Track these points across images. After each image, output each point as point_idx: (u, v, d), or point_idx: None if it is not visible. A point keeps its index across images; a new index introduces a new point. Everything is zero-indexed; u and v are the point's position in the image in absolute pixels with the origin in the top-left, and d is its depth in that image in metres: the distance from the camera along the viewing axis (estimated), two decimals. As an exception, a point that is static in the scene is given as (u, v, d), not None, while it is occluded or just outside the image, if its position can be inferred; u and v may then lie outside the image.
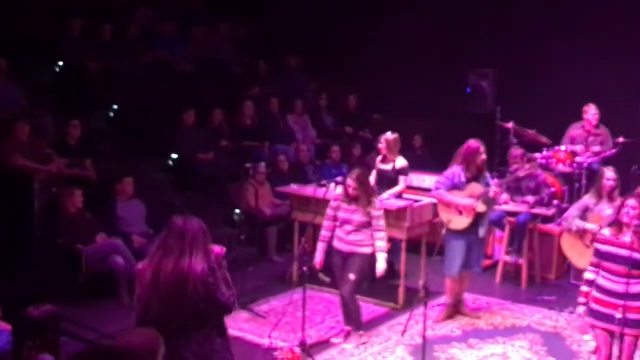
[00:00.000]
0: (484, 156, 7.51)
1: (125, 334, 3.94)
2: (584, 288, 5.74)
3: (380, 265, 6.92)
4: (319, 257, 7.16)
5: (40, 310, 4.86)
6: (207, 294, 4.38)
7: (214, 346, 4.50)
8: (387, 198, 8.15)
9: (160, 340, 3.76)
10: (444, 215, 7.44)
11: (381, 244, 6.92)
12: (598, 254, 5.66)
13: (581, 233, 7.22)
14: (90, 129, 9.60)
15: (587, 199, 7.32)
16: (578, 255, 7.27)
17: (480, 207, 7.44)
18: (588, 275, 5.72)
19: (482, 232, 7.62)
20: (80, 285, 7.86)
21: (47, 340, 4.77)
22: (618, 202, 6.85)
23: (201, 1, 12.88)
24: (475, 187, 7.46)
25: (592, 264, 5.72)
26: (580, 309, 5.76)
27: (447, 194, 7.44)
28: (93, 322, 6.97)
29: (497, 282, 9.01)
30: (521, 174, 8.36)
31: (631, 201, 5.63)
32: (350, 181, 6.95)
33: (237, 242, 8.58)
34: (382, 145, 8.53)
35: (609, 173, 7.22)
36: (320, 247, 7.16)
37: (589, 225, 7.07)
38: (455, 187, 7.47)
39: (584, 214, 7.26)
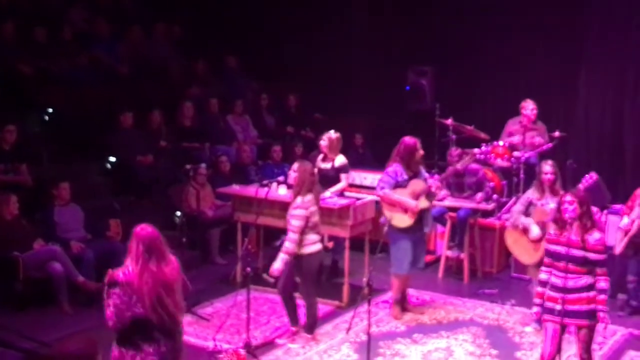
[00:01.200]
0: (421, 152, 7.60)
1: (62, 341, 3.85)
2: (539, 289, 5.79)
3: (275, 265, 6.81)
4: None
5: (-24, 320, 4.73)
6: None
7: None
8: (330, 197, 8.15)
9: (98, 345, 3.70)
10: (389, 213, 7.47)
11: (286, 244, 6.78)
12: (548, 253, 5.74)
13: (525, 229, 7.31)
14: (25, 133, 9.36)
15: (530, 194, 7.39)
16: (522, 250, 7.34)
17: (423, 204, 7.50)
18: (542, 276, 5.78)
19: (427, 228, 7.69)
20: (17, 293, 7.68)
21: (-18, 351, 4.64)
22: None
23: (135, 1, 12.67)
24: (417, 184, 7.51)
25: (545, 264, 5.78)
26: (535, 309, 5.79)
27: (392, 193, 7.47)
28: (31, 330, 6.85)
29: (439, 277, 9.10)
30: (460, 167, 8.48)
31: (568, 197, 5.70)
32: (294, 164, 6.98)
33: (179, 245, 8.46)
34: (324, 143, 8.53)
35: (547, 167, 7.30)
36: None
37: (534, 229, 7.13)
38: (398, 185, 7.51)
39: (527, 209, 7.35)
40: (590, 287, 5.63)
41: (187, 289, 5.22)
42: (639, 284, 7.82)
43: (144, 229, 4.95)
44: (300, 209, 6.78)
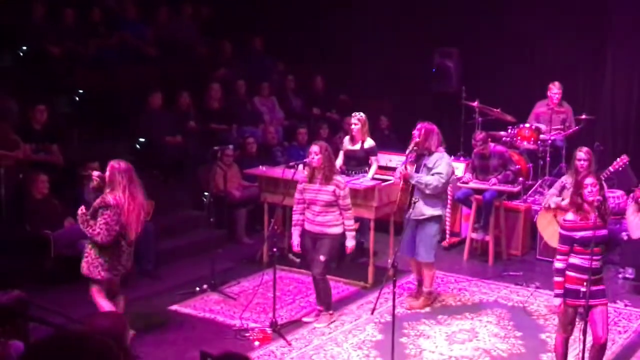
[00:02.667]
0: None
1: (93, 317, 3.95)
2: (558, 279, 5.70)
3: (349, 244, 7.05)
4: (295, 241, 7.20)
5: (9, 297, 4.86)
6: None
7: None
8: (358, 178, 8.21)
9: (126, 322, 3.79)
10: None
11: (349, 223, 7.01)
12: (572, 240, 5.60)
13: (555, 212, 7.33)
14: (56, 114, 9.50)
15: (564, 179, 7.48)
16: (552, 234, 7.33)
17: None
18: (559, 265, 5.68)
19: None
20: (48, 271, 7.82)
21: (16, 327, 4.78)
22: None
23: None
24: None
25: (560, 252, 5.67)
26: (557, 301, 5.72)
27: None
28: (62, 307, 6.97)
29: (464, 259, 9.13)
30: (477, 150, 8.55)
31: (589, 179, 5.66)
32: (314, 147, 6.99)
33: (206, 225, 8.58)
34: (357, 126, 8.51)
35: (581, 154, 7.34)
36: (295, 231, 7.19)
37: (565, 202, 7.11)
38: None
39: (561, 194, 7.41)
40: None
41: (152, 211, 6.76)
42: None
43: (120, 162, 6.20)
44: (347, 188, 7.05)
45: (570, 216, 5.68)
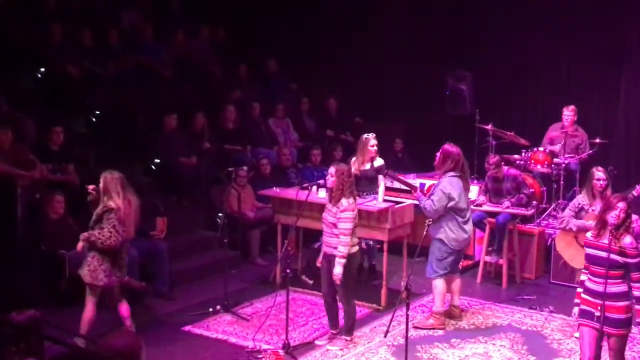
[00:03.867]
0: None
1: (107, 336, 3.98)
2: (580, 290, 5.80)
3: (336, 270, 6.83)
4: (319, 258, 7.30)
5: (24, 315, 4.88)
6: None
7: None
8: (371, 199, 8.24)
9: (141, 342, 3.81)
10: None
11: (341, 248, 6.82)
12: (587, 257, 5.75)
13: (576, 234, 7.27)
14: (73, 134, 9.60)
15: (581, 199, 7.36)
16: (573, 255, 7.32)
17: None
18: (583, 277, 5.80)
19: None
20: (63, 290, 7.86)
21: (30, 345, 4.79)
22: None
23: (180, 6, 12.88)
24: None
25: (585, 267, 5.80)
26: (576, 310, 5.81)
27: None
28: (76, 327, 7.01)
29: (478, 282, 9.11)
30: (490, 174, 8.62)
31: (621, 204, 5.63)
32: (331, 169, 7.01)
33: (220, 246, 8.61)
34: (375, 147, 8.57)
35: (599, 174, 7.26)
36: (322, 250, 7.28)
37: (589, 222, 7.06)
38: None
39: (578, 215, 7.31)
40: (627, 295, 5.61)
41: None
42: None
43: (112, 172, 6.76)
44: (348, 212, 6.85)
45: (589, 234, 5.77)
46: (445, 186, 7.42)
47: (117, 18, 11.81)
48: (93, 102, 10.37)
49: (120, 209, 6.64)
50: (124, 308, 6.98)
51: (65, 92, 10.17)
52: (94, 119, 10.36)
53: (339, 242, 6.85)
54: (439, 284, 7.61)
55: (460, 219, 7.48)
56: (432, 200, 7.39)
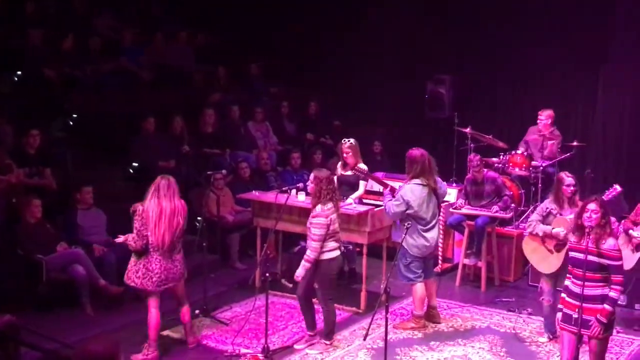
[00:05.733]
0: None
1: (85, 342, 3.95)
2: (564, 295, 5.80)
3: (297, 272, 6.95)
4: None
5: (0, 321, 4.85)
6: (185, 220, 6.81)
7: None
8: (349, 203, 8.24)
9: (120, 346, 3.79)
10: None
11: (308, 252, 6.87)
12: (570, 260, 5.78)
13: (544, 238, 7.25)
14: (50, 138, 9.54)
15: (548, 204, 7.29)
16: (540, 259, 7.30)
17: None
18: (567, 282, 5.81)
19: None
20: (41, 295, 7.81)
21: (7, 351, 4.76)
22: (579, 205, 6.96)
23: (160, 9, 12.85)
24: None
25: (569, 271, 5.80)
26: (559, 315, 5.82)
27: None
28: (54, 332, 6.96)
29: (457, 285, 9.14)
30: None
31: (593, 205, 5.70)
32: (311, 175, 7.05)
33: (199, 250, 8.58)
34: (349, 153, 8.56)
35: (568, 179, 7.19)
36: None
37: (555, 230, 7.08)
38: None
39: (545, 219, 7.28)
40: (605, 298, 5.65)
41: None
42: None
43: (164, 177, 6.79)
44: (320, 217, 6.85)
45: (571, 237, 5.82)
46: (406, 192, 7.42)
47: (96, 22, 11.74)
48: (70, 105, 10.31)
49: (143, 211, 6.63)
50: (152, 317, 6.87)
51: (43, 95, 10.10)
52: (71, 123, 10.29)
53: (308, 246, 6.89)
54: (417, 288, 7.63)
55: (420, 227, 7.47)
56: (392, 204, 7.44)
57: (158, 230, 6.62)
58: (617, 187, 7.57)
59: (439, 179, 7.70)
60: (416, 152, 7.52)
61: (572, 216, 6.87)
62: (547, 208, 7.27)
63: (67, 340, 6.85)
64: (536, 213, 7.39)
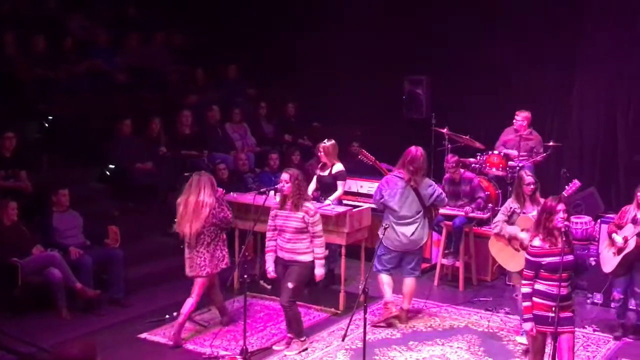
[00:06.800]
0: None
1: (61, 345, 3.91)
2: (526, 304, 5.75)
3: (318, 272, 7.05)
4: (269, 267, 7.20)
5: (-25, 325, 4.79)
6: (215, 214, 7.15)
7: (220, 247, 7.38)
8: (328, 204, 8.25)
9: (96, 349, 3.76)
10: None
11: (318, 250, 7.00)
12: (539, 266, 5.68)
13: (510, 238, 7.30)
14: (25, 140, 9.44)
15: (511, 203, 7.34)
16: (507, 258, 7.35)
17: None
18: (526, 289, 5.73)
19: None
20: (16, 299, 7.74)
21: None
22: (541, 203, 7.01)
23: (136, 10, 12.77)
24: None
25: (526, 278, 5.74)
26: (527, 326, 5.76)
27: None
28: (30, 335, 6.91)
29: (435, 285, 9.17)
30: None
31: (562, 206, 5.72)
32: (285, 175, 7.04)
33: (177, 252, 8.52)
34: (320, 153, 8.66)
35: (528, 178, 7.26)
36: (269, 257, 7.19)
37: (522, 235, 7.06)
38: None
39: (510, 219, 7.31)
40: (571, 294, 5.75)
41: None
42: (625, 301, 7.62)
43: (200, 173, 7.37)
44: (317, 214, 7.00)
45: (537, 242, 5.73)
46: (382, 182, 7.77)
47: (69, 23, 11.64)
48: (46, 107, 10.21)
49: (179, 205, 7.20)
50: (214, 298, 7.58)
51: (17, 97, 9.99)
52: (46, 125, 10.20)
53: (316, 245, 6.97)
54: (380, 277, 7.82)
55: (392, 219, 7.59)
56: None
57: (183, 223, 7.12)
58: (577, 182, 7.70)
59: (429, 181, 7.79)
60: (411, 149, 7.71)
61: (534, 213, 6.92)
62: (510, 207, 7.33)
63: (43, 344, 6.80)
64: (501, 213, 7.43)
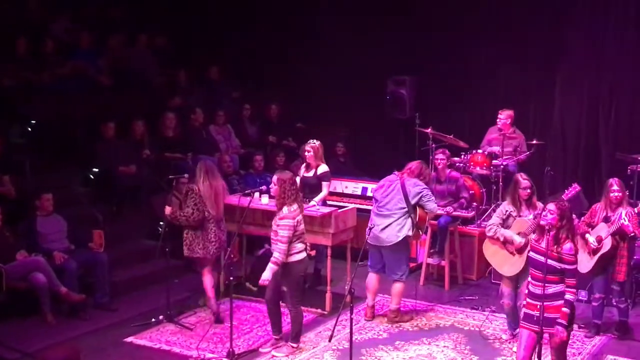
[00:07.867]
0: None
1: (46, 351, 3.91)
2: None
3: (264, 275, 6.86)
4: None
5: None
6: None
7: None
8: (313, 205, 8.24)
9: (80, 354, 3.76)
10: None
11: (276, 254, 6.85)
12: (529, 259, 5.85)
13: (504, 241, 7.25)
14: (8, 144, 9.38)
15: (507, 206, 7.27)
16: (501, 262, 7.30)
17: None
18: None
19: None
20: (1, 304, 7.68)
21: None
22: (539, 206, 7.02)
23: (119, 12, 12.72)
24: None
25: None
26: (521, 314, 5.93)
27: None
28: (15, 341, 6.87)
29: (420, 284, 9.18)
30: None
31: (551, 206, 5.77)
32: (274, 177, 7.06)
33: (162, 255, 8.51)
34: (309, 153, 8.59)
35: (524, 182, 7.18)
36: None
37: (517, 238, 7.07)
38: None
39: (505, 222, 7.25)
40: (563, 295, 5.74)
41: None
42: (604, 301, 7.61)
43: (205, 160, 8.32)
44: (287, 219, 6.85)
45: (532, 236, 5.91)
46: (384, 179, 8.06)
47: (52, 25, 11.57)
48: (29, 111, 10.14)
49: (199, 190, 7.65)
50: (208, 280, 7.83)
51: (0, 101, 9.93)
52: (29, 129, 10.13)
53: (274, 249, 6.90)
54: (368, 278, 8.02)
55: (374, 209, 7.86)
56: None
57: (217, 205, 7.73)
58: (577, 186, 7.65)
59: (419, 182, 7.81)
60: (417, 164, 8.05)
61: (531, 216, 6.97)
62: (506, 211, 7.27)
63: (28, 349, 6.77)
64: (495, 216, 7.37)
